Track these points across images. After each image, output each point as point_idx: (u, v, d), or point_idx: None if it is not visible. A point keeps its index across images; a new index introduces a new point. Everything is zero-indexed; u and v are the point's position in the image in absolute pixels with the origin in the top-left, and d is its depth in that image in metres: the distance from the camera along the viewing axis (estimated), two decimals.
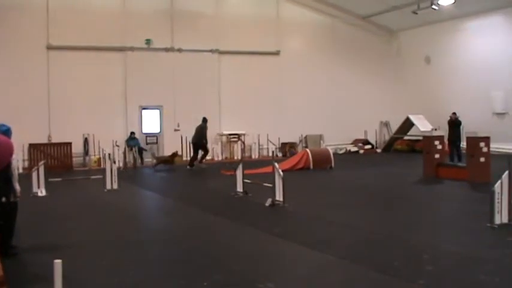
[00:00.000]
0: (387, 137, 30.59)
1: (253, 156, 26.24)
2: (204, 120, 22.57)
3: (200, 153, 22.50)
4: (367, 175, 18.60)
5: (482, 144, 15.57)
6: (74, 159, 23.14)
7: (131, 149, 23.52)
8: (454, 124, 20.94)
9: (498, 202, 9.09)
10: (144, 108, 25.40)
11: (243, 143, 26.30)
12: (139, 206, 13.85)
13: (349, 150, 28.58)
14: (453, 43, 28.35)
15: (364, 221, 10.57)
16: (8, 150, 7.93)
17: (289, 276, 7.09)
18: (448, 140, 20.57)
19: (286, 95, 27.84)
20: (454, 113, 21.50)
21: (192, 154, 22.53)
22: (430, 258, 7.46)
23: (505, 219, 9.17)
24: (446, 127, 21.35)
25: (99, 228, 10.52)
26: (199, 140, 22.17)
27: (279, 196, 11.98)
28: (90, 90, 24.03)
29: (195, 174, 20.08)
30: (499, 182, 9.12)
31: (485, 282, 6.42)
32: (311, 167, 19.95)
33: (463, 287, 6.31)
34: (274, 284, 6.49)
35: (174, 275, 7.07)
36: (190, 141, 22.77)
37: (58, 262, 3.84)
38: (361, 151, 28.68)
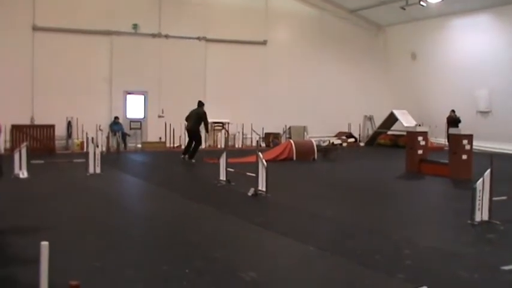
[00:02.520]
0: (371, 131, 30.71)
1: (236, 146, 26.22)
2: (200, 104, 20.40)
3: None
4: (350, 168, 18.69)
5: (465, 141, 15.68)
6: (56, 142, 22.96)
7: (115, 134, 23.42)
8: (453, 121, 21.13)
9: (479, 199, 9.17)
10: (129, 93, 25.26)
11: (227, 131, 26.27)
12: (122, 191, 13.81)
13: (333, 143, 28.58)
14: (440, 40, 28.48)
15: (345, 214, 10.63)
16: None
17: (271, 266, 7.10)
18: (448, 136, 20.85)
19: (272, 85, 27.82)
20: (453, 111, 21.70)
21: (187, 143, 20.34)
22: (410, 253, 7.52)
23: (486, 217, 9.25)
24: (430, 123, 21.49)
25: (81, 211, 10.47)
26: (196, 127, 19.82)
27: (261, 186, 12.00)
28: (75, 73, 23.81)
29: (178, 162, 20.03)
30: (481, 179, 9.20)
31: (465, 278, 6.48)
32: (294, 158, 19.99)
33: (442, 282, 6.36)
34: (255, 273, 6.51)
35: (156, 261, 7.06)
36: (186, 128, 20.75)
37: (45, 244, 3.81)
38: (345, 144, 28.74)
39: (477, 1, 25.49)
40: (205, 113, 20.11)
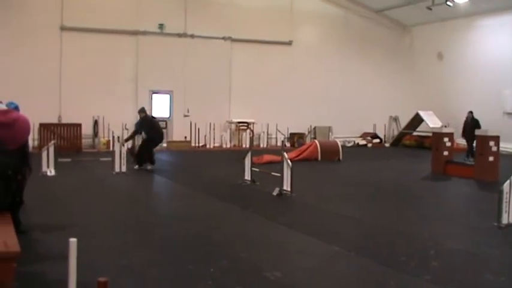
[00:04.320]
0: (396, 132, 30.52)
1: (261, 145, 26.25)
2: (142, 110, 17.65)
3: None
4: (375, 169, 18.60)
5: (491, 143, 15.54)
6: (83, 140, 23.19)
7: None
8: (472, 124, 20.92)
9: (506, 202, 9.09)
10: (154, 93, 25.42)
11: (252, 131, 26.31)
12: (147, 190, 13.93)
13: (358, 144, 28.56)
14: (466, 40, 28.22)
15: (371, 214, 10.60)
16: (27, 128, 7.97)
17: (296, 265, 7.14)
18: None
19: (297, 85, 27.79)
20: (471, 112, 21.50)
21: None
22: (436, 254, 7.50)
23: None
24: (456, 124, 21.31)
25: (107, 209, 10.60)
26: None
27: (286, 186, 12.01)
28: (102, 72, 24.03)
29: (203, 161, 20.09)
30: (508, 181, 9.12)
31: (490, 281, 6.45)
32: (319, 158, 19.98)
33: (468, 285, 6.33)
34: (280, 273, 6.54)
35: (181, 260, 7.12)
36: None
37: (73, 241, 3.87)
38: (370, 145, 28.65)
39: (504, 1, 25.19)
40: (140, 120, 17.41)
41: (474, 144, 19.02)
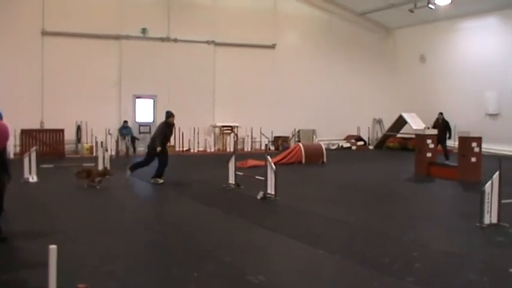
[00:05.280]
0: (380, 134, 30.64)
1: (245, 149, 26.24)
2: (167, 114, 15.58)
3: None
4: (359, 171, 18.65)
5: (474, 144, 15.65)
6: (66, 146, 23.07)
7: (124, 138, 23.51)
8: (442, 125, 21.13)
9: (488, 202, 9.14)
10: (138, 97, 25.33)
11: (236, 135, 26.30)
12: (131, 195, 13.85)
13: (342, 146, 28.63)
14: (448, 43, 28.43)
15: (355, 216, 10.61)
16: (5, 134, 7.89)
17: (280, 269, 7.13)
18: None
19: (281, 88, 27.83)
20: (441, 113, 21.82)
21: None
22: (419, 255, 7.51)
23: (495, 220, 9.22)
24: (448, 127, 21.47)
25: (90, 215, 10.53)
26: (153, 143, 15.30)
27: (270, 189, 12.01)
28: (85, 77, 23.94)
29: (187, 165, 20.04)
30: (490, 182, 9.17)
31: (473, 282, 6.47)
32: (303, 161, 20.00)
33: (451, 285, 6.35)
34: (264, 277, 6.52)
35: (165, 265, 7.09)
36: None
37: (53, 248, 3.84)
38: (354, 147, 28.73)
39: (485, 3, 25.42)
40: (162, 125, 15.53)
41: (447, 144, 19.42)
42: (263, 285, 6.29)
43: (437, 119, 22.41)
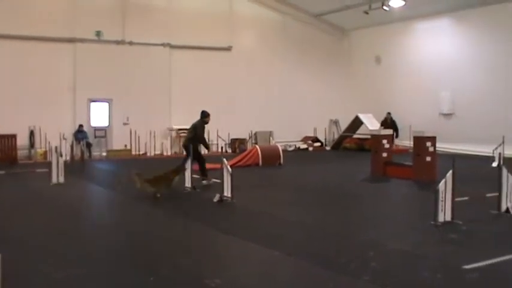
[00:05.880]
0: (336, 135, 30.86)
1: (203, 152, 26.05)
2: (203, 114, 16.23)
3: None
4: (316, 172, 18.73)
5: (428, 143, 15.85)
6: (18, 151, 22.50)
7: (79, 142, 23.15)
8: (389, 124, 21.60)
9: (442, 201, 9.26)
10: (93, 101, 24.98)
11: None
12: (86, 200, 13.62)
13: (299, 147, 28.75)
14: (403, 44, 28.83)
15: (311, 217, 10.64)
16: None
17: (236, 272, 7.08)
18: None
19: (237, 91, 27.80)
20: (389, 113, 22.29)
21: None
22: (375, 255, 7.56)
23: (448, 217, 9.35)
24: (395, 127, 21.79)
25: (44, 222, 10.32)
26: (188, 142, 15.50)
27: (227, 192, 11.96)
28: (38, 81, 23.44)
29: (144, 169, 19.82)
30: (443, 181, 9.29)
31: (427, 279, 6.54)
32: (260, 163, 20.00)
33: (406, 284, 6.40)
34: (221, 280, 6.47)
35: (121, 270, 6.99)
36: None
37: None
38: (311, 148, 28.88)
39: (439, 5, 25.84)
40: (200, 124, 15.93)
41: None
42: None
43: (385, 119, 22.94)
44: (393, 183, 15.70)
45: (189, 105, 26.28)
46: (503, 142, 19.31)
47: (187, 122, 25.85)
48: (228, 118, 26.85)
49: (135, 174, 12.90)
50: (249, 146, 25.75)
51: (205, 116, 15.90)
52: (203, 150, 16.76)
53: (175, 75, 26.51)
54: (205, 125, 15.94)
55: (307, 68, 30.19)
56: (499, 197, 10.33)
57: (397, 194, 14.47)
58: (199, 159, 15.22)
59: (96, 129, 24.92)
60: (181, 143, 25.55)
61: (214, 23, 27.62)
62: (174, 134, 26.38)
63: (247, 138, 28.18)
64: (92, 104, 24.99)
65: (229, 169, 11.95)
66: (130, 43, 25.47)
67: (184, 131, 25.81)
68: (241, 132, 27.85)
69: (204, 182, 14.85)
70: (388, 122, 22.10)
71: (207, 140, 16.09)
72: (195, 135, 15.40)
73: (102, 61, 24.69)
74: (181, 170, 13.65)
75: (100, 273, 6.88)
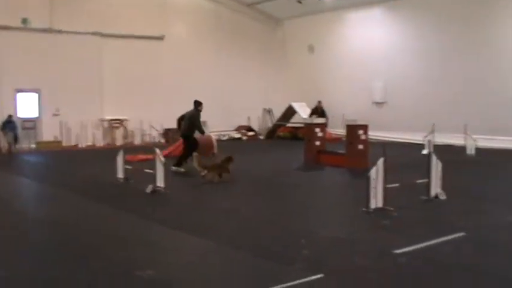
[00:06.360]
0: (270, 124, 30.98)
1: (135, 142, 25.79)
2: (197, 103, 17.42)
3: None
4: (250, 162, 18.71)
5: (360, 132, 16.07)
6: None
7: (6, 134, 22.40)
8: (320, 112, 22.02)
9: (374, 188, 9.39)
10: (19, 91, 24.16)
11: (126, 128, 25.78)
12: (15, 193, 13.20)
13: (233, 137, 28.74)
14: (336, 33, 29.13)
15: (246, 206, 10.62)
16: None
17: (170, 262, 7.00)
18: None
19: (170, 80, 27.46)
20: (319, 101, 22.67)
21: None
22: (308, 242, 7.60)
23: (380, 204, 9.48)
24: (328, 114, 22.01)
25: None
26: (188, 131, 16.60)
27: (160, 182, 11.81)
28: None
29: (75, 161, 19.40)
30: (375, 168, 9.42)
31: (360, 264, 6.63)
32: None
33: (338, 269, 6.46)
34: (153, 271, 6.37)
35: (52, 264, 6.80)
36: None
37: None
38: (245, 138, 28.91)
39: None
40: (196, 113, 17.07)
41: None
42: (152, 279, 6.15)
43: (316, 107, 23.24)
44: (326, 171, 15.86)
45: (121, 96, 25.96)
46: (433, 130, 19.81)
47: (119, 112, 25.71)
48: (161, 108, 26.47)
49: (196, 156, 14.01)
50: None
51: (198, 105, 17.15)
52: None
53: (107, 65, 25.93)
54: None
55: (240, 58, 30.13)
56: (429, 184, 10.56)
57: (330, 181, 14.61)
58: (194, 146, 16.00)
59: (24, 120, 24.13)
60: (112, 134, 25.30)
61: (147, 11, 27.17)
62: (106, 124, 25.88)
63: None
64: (19, 94, 24.14)
65: (163, 159, 11.79)
66: (60, 31, 24.74)
67: (117, 121, 25.48)
68: (175, 122, 27.53)
69: (174, 168, 15.31)
70: (319, 111, 22.48)
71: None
72: (192, 125, 16.44)
73: (29, 50, 23.88)
74: (231, 157, 14.18)
75: (29, 269, 6.67)
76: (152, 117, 26.02)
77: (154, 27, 27.35)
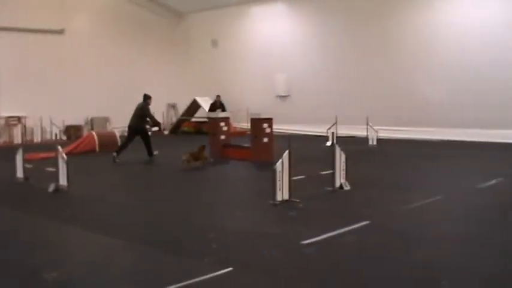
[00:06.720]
0: (174, 119, 30.78)
1: (35, 140, 24.95)
2: (146, 97, 18.26)
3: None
4: (155, 157, 18.51)
5: (265, 125, 16.24)
6: None
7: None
8: (217, 107, 22.22)
9: (279, 180, 9.49)
10: None
11: (24, 126, 24.89)
12: None
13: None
14: (240, 27, 29.31)
15: (153, 203, 10.51)
16: None
17: (75, 263, 6.82)
18: None
19: (71, 76, 26.74)
20: (218, 96, 22.87)
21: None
22: (216, 236, 7.61)
23: (286, 196, 9.61)
24: (233, 108, 22.13)
25: None
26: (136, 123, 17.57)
27: (63, 180, 11.46)
28: None
29: None
30: (280, 161, 9.53)
31: (267, 256, 6.72)
32: (97, 149, 19.48)
33: (246, 262, 6.51)
34: (58, 273, 6.18)
35: None
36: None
37: None
38: (149, 133, 28.53)
39: None
40: (146, 105, 17.95)
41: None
42: (57, 281, 5.97)
43: (214, 102, 23.43)
44: (232, 165, 15.95)
45: (19, 92, 24.98)
46: (336, 122, 20.29)
47: (17, 109, 24.74)
48: (62, 104, 25.74)
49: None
50: (85, 133, 24.89)
51: (148, 98, 18.07)
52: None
53: (2, 60, 24.86)
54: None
55: (144, 52, 29.76)
56: (333, 174, 10.83)
57: (237, 175, 14.70)
58: (146, 137, 17.53)
59: None
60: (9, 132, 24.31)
61: (44, 3, 26.24)
62: (2, 122, 24.86)
63: (83, 124, 27.25)
64: None
65: (65, 157, 11.46)
66: None
67: (15, 119, 24.52)
68: (77, 119, 26.88)
69: (115, 154, 16.71)
70: (218, 105, 22.72)
71: None
72: (143, 116, 17.54)
73: None
74: (203, 146, 15.93)
75: None
76: (53, 114, 25.17)
77: (54, 21, 26.49)
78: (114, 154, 16.76)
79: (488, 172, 13.10)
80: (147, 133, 17.78)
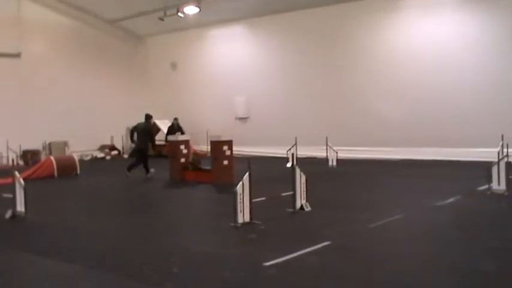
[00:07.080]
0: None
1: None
2: (148, 116, 19.62)
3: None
4: (113, 182, 18.34)
5: (225, 147, 16.25)
6: None
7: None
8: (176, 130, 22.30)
9: (240, 202, 9.50)
10: None
11: None
12: None
13: (96, 157, 28.06)
14: (199, 50, 29.41)
15: (113, 227, 10.39)
16: None
17: None
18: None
19: (29, 100, 26.29)
20: (176, 118, 22.90)
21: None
22: (177, 260, 7.58)
23: (247, 218, 9.62)
24: (193, 131, 22.10)
25: None
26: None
27: (20, 207, 11.25)
28: None
29: None
30: (241, 183, 9.55)
31: (230, 278, 6.69)
32: (55, 174, 19.20)
33: (208, 285, 6.47)
34: None
35: None
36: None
37: None
38: (108, 157, 28.32)
39: (232, 13, 26.69)
40: (151, 126, 19.63)
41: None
42: None
43: (172, 125, 23.44)
44: (192, 188, 15.89)
45: None
46: (295, 143, 20.42)
47: None
48: (19, 129, 25.32)
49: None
50: (42, 157, 24.50)
51: (149, 117, 19.26)
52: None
53: None
54: None
55: (103, 76, 29.54)
56: (294, 196, 10.87)
57: (197, 198, 14.65)
58: (146, 158, 18.76)
59: None
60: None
61: (1, 26, 25.81)
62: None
63: (41, 149, 26.84)
64: None
65: (22, 182, 11.26)
66: None
67: None
68: (34, 143, 26.45)
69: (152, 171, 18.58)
70: (175, 128, 22.77)
71: None
72: (149, 138, 19.06)
73: None
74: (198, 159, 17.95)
75: None
76: (9, 138, 24.76)
77: (10, 44, 26.05)
78: (146, 173, 18.64)
79: (446, 190, 13.32)
80: (146, 155, 18.90)
